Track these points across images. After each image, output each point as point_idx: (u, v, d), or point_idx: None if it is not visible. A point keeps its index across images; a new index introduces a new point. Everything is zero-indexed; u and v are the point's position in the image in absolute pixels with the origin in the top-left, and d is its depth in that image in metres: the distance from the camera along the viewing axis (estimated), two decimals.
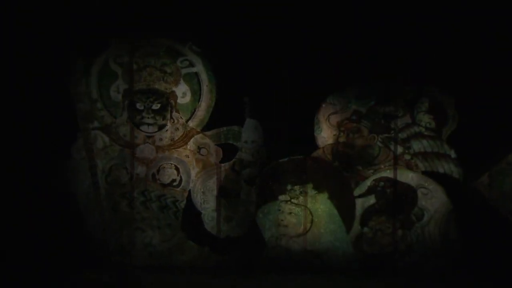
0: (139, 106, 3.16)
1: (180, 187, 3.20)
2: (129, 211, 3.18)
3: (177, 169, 3.19)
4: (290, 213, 3.13)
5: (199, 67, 3.19)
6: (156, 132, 3.18)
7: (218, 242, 3.16)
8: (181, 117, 3.20)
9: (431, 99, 3.14)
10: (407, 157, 3.16)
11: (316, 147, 3.22)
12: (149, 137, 3.18)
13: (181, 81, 3.18)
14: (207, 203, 3.18)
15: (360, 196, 3.14)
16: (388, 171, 3.13)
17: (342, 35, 3.09)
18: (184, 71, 3.18)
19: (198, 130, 3.22)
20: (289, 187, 3.14)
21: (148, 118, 3.15)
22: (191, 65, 3.19)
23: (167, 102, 3.16)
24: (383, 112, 3.15)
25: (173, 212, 3.19)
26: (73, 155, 3.18)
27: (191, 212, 3.19)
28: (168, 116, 3.17)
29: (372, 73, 3.09)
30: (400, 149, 3.16)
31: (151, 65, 3.14)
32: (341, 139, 3.19)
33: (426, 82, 3.14)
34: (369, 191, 3.13)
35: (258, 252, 3.14)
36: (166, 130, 3.19)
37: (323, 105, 3.22)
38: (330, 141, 3.20)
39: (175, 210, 3.19)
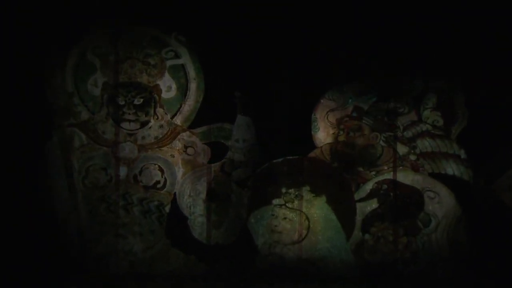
0: (119, 101, 3.03)
1: (165, 189, 3.07)
2: (109, 216, 3.05)
3: (161, 170, 3.07)
4: (285, 218, 3.05)
5: (185, 59, 3.07)
6: (138, 129, 3.05)
7: (206, 250, 3.05)
8: (165, 113, 3.08)
9: (439, 94, 3.07)
10: (413, 157, 3.08)
11: (313, 146, 3.13)
12: (130, 135, 3.05)
13: (166, 73, 3.06)
14: (194, 208, 3.06)
15: (361, 200, 3.06)
16: (391, 172, 3.06)
17: (343, 25, 3.01)
18: (169, 63, 3.06)
19: (185, 127, 3.10)
20: (283, 190, 3.05)
21: (130, 114, 3.02)
22: (177, 56, 3.06)
23: (150, 97, 3.03)
24: (387, 108, 3.08)
25: (157, 217, 3.06)
26: (47, 155, 3.03)
27: (177, 217, 3.08)
28: (152, 112, 3.05)
29: (375, 66, 3.02)
30: (405, 149, 3.09)
31: (133, 56, 3.02)
32: (341, 138, 3.11)
33: (434, 76, 3.06)
34: (371, 195, 3.05)
35: (249, 260, 3.06)
36: (150, 127, 3.06)
37: (321, 101, 3.13)
38: (329, 140, 3.12)
39: (159, 215, 3.06)
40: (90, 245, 3.03)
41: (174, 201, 3.08)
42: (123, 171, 3.05)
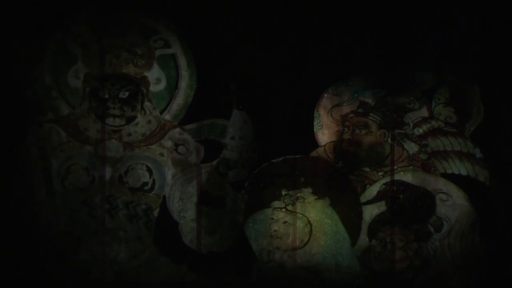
0: (103, 94, 2.86)
1: (153, 192, 2.89)
2: (91, 221, 2.87)
3: (149, 170, 2.89)
4: (285, 222, 2.95)
5: (176, 48, 2.91)
6: (123, 125, 2.88)
7: (198, 258, 2.91)
8: (154, 108, 2.92)
9: (452, 89, 2.98)
10: (424, 156, 2.97)
11: (316, 145, 3.03)
12: (115, 131, 2.88)
13: (155, 64, 2.90)
14: (185, 212, 2.91)
15: (367, 202, 2.95)
16: (401, 173, 2.96)
17: (347, 13, 2.91)
18: (158, 52, 2.90)
19: (175, 123, 2.94)
20: (283, 192, 2.96)
21: (114, 108, 2.85)
22: (167, 45, 2.90)
23: (137, 90, 2.87)
24: (396, 104, 2.98)
25: (144, 223, 2.89)
26: (22, 155, 2.85)
27: (166, 222, 2.92)
28: (139, 106, 2.88)
29: (383, 58, 2.93)
30: (415, 148, 2.98)
31: (118, 45, 2.85)
32: (346, 136, 3.00)
33: (446, 69, 2.97)
34: (378, 197, 2.95)
35: (246, 268, 2.96)
36: (136, 124, 2.90)
37: (325, 96, 3.03)
38: (333, 138, 3.02)
39: (147, 220, 2.89)
40: (70, 253, 2.85)
41: (163, 205, 2.92)
42: (107, 172, 2.88)
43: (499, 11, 2.83)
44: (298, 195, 2.95)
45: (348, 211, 2.96)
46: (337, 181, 2.98)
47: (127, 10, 2.84)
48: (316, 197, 2.95)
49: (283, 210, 2.96)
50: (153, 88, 2.89)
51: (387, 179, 2.96)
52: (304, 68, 2.95)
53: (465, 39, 2.90)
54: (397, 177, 2.95)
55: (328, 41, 2.92)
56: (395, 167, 2.98)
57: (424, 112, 2.98)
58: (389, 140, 2.99)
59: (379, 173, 2.98)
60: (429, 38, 2.89)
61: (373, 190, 2.97)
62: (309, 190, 2.95)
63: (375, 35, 2.89)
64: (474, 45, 2.88)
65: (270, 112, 2.97)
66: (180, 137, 2.92)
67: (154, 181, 2.89)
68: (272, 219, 2.96)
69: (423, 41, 2.89)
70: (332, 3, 2.90)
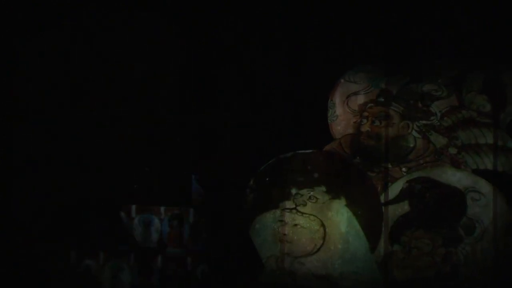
0: None
1: None
2: None
3: None
4: (296, 225, 2.89)
5: None
6: None
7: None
8: None
9: (486, 75, 2.87)
10: (453, 150, 2.87)
11: (330, 138, 2.95)
12: None
13: None
14: None
15: (389, 202, 2.87)
16: (427, 169, 2.86)
17: None
18: None
19: None
20: (294, 191, 2.91)
21: None
22: None
23: None
24: (421, 92, 2.90)
25: None
26: None
27: None
28: None
29: (406, 41, 2.83)
30: (443, 141, 2.88)
31: None
32: (364, 128, 2.93)
33: (479, 53, 2.85)
34: (401, 196, 2.86)
35: (252, 277, 2.87)
36: None
37: (341, 83, 2.95)
38: (349, 130, 2.95)
39: None
40: None
41: None
42: None
43: None
44: (310, 194, 2.89)
45: (367, 213, 2.89)
46: (354, 179, 2.91)
47: None
48: (330, 196, 2.89)
49: (293, 211, 2.90)
50: None
51: (411, 176, 2.89)
52: (317, 54, 2.89)
53: (499, 17, 2.78)
54: (422, 173, 2.89)
55: (344, 21, 2.85)
56: (420, 163, 2.88)
57: (454, 101, 2.90)
58: (414, 132, 2.89)
59: (402, 170, 2.91)
60: (459, 17, 2.80)
61: (395, 188, 2.90)
62: (323, 188, 2.89)
63: (397, 16, 2.81)
64: (509, 24, 2.78)
65: (278, 102, 2.92)
66: None
67: None
68: (281, 221, 2.91)
69: (452, 20, 2.80)
70: None
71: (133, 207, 3.03)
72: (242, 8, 2.90)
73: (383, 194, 2.92)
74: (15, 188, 2.79)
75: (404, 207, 2.88)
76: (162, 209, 3.01)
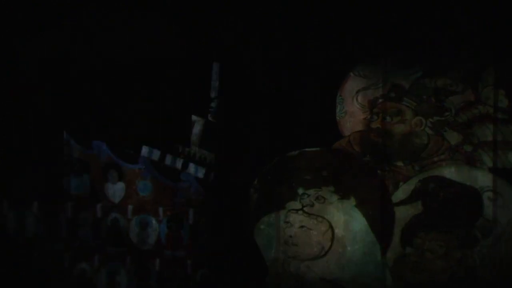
0: None
1: None
2: None
3: None
4: (302, 226, 2.85)
5: None
6: None
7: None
8: None
9: (503, 68, 2.82)
10: (468, 148, 2.83)
11: (339, 135, 2.91)
12: None
13: None
14: None
15: (401, 203, 2.82)
16: (441, 168, 2.81)
17: None
18: None
19: None
20: (300, 191, 2.86)
21: None
22: None
23: None
24: (434, 86, 2.85)
25: None
26: None
27: None
28: None
29: (419, 33, 2.78)
30: (458, 138, 2.83)
31: None
32: (375, 125, 2.88)
33: (497, 45, 2.80)
34: (413, 196, 2.81)
35: (257, 281, 2.87)
36: None
37: (349, 78, 2.90)
38: (359, 127, 2.91)
39: None
40: None
41: None
42: None
43: None
44: (318, 194, 2.85)
45: (378, 213, 2.84)
46: (364, 178, 2.87)
47: None
48: (339, 196, 2.86)
49: (300, 212, 2.86)
50: None
51: (424, 175, 2.84)
52: (325, 46, 2.84)
53: None
54: (435, 172, 2.84)
55: (354, 13, 2.81)
56: (434, 161, 2.84)
57: (469, 96, 2.86)
58: (427, 129, 2.86)
59: (415, 168, 2.86)
60: (474, 6, 2.75)
61: (407, 188, 2.84)
62: (331, 188, 2.85)
63: (409, 5, 2.77)
64: None
65: (284, 97, 2.88)
66: None
67: None
68: (287, 223, 2.87)
69: (468, 10, 2.75)
70: None
71: (130, 207, 3.02)
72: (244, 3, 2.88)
73: (394, 194, 2.85)
74: None
75: (416, 207, 2.83)
76: (160, 209, 2.99)
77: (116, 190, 2.96)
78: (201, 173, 3.00)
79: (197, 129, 3.07)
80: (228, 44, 2.92)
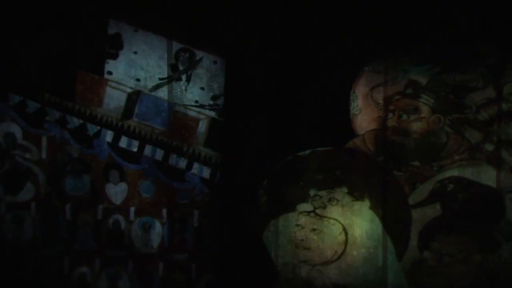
0: None
1: None
2: None
3: None
4: (314, 229, 2.81)
5: None
6: None
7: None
8: None
9: None
10: (489, 147, 2.77)
11: (352, 134, 2.86)
12: None
13: None
14: None
15: (418, 205, 2.78)
16: (460, 168, 2.75)
17: None
18: None
19: None
20: (312, 192, 2.82)
21: None
22: None
23: None
24: (454, 82, 2.78)
25: None
26: None
27: None
28: None
29: (437, 27, 2.71)
30: (478, 136, 2.77)
31: None
32: (390, 123, 2.83)
33: None
34: (431, 198, 2.76)
35: (265, 286, 2.82)
36: None
37: (364, 73, 2.83)
38: (374, 125, 2.86)
39: None
40: None
41: None
42: None
43: None
44: (330, 196, 2.81)
45: (394, 216, 2.80)
46: (379, 179, 2.82)
47: None
48: (353, 198, 2.81)
49: (312, 214, 2.82)
50: None
51: (442, 175, 2.79)
52: (338, 41, 2.78)
53: None
54: (455, 172, 2.79)
55: (370, 7, 2.75)
56: (456, 158, 2.78)
57: (490, 92, 2.80)
58: (446, 127, 2.79)
59: (433, 168, 2.81)
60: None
61: (425, 189, 2.80)
62: (344, 189, 2.81)
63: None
64: None
65: (295, 93, 2.82)
66: None
67: None
68: (298, 225, 2.83)
69: (487, 2, 2.70)
70: None
71: (132, 209, 2.97)
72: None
73: (411, 195, 2.79)
74: None
75: (435, 209, 2.78)
76: (164, 211, 2.95)
77: (117, 191, 2.93)
78: (206, 173, 2.96)
79: (202, 127, 3.04)
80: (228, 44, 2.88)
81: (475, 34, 2.80)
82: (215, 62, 3.01)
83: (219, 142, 3.00)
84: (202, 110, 2.99)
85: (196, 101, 2.99)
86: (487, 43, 2.83)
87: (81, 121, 2.93)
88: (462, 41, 2.84)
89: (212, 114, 2.99)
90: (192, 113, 3.00)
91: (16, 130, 2.92)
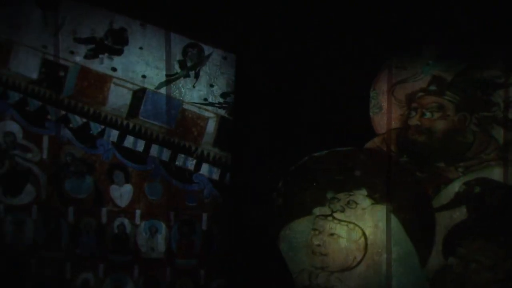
0: None
1: None
2: None
3: None
4: (332, 234, 2.73)
5: None
6: None
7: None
8: None
9: None
10: None
11: (372, 133, 2.77)
12: None
13: None
14: None
15: (443, 208, 2.68)
16: (488, 169, 2.67)
17: None
18: None
19: None
20: (330, 195, 2.74)
21: None
22: None
23: None
24: (481, 78, 2.69)
25: None
26: None
27: None
28: None
29: (462, 20, 2.63)
30: (507, 135, 2.70)
31: None
32: (413, 121, 2.72)
33: None
34: (457, 201, 2.67)
35: None
36: None
37: (385, 70, 2.74)
38: (395, 124, 2.76)
39: None
40: None
41: None
42: None
43: None
44: (349, 199, 2.75)
45: (416, 220, 2.72)
46: (401, 181, 2.74)
47: None
48: (372, 201, 2.74)
49: (329, 218, 2.75)
50: None
51: (469, 177, 2.70)
52: (357, 34, 2.69)
53: None
54: (482, 173, 2.71)
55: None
56: (480, 161, 2.71)
57: None
58: (472, 125, 2.72)
59: (458, 169, 2.71)
60: None
61: (450, 191, 2.71)
62: (364, 192, 2.75)
63: None
64: None
65: (311, 91, 2.73)
66: None
67: None
68: (315, 230, 2.76)
69: None
70: None
71: (138, 212, 2.91)
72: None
73: (435, 198, 2.71)
74: None
75: (460, 213, 2.70)
76: (171, 214, 2.89)
77: (122, 193, 2.88)
78: (215, 175, 2.91)
79: (211, 126, 2.97)
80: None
81: (503, 26, 2.67)
82: (224, 58, 2.93)
83: (229, 142, 2.92)
84: (211, 108, 2.92)
85: (205, 99, 2.93)
86: None
87: (84, 120, 2.89)
88: (489, 34, 2.71)
89: (222, 112, 2.92)
90: (200, 111, 2.93)
91: (16, 129, 2.88)
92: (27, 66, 2.96)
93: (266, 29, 2.85)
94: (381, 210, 2.73)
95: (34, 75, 2.95)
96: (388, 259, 2.74)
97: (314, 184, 2.78)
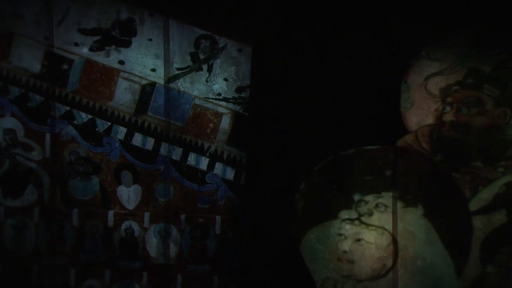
0: None
1: None
2: None
3: None
4: (359, 240, 2.65)
5: None
6: None
7: None
8: None
9: None
10: None
11: (403, 130, 2.67)
12: None
13: None
14: None
15: (481, 211, 2.57)
16: None
17: None
18: None
19: None
20: (357, 197, 2.66)
21: None
22: None
23: None
24: None
25: None
26: None
27: None
28: None
29: (502, 5, 2.49)
30: None
31: None
32: (448, 117, 2.61)
33: None
34: (496, 204, 2.56)
35: None
36: None
37: (417, 61, 2.62)
38: (429, 120, 2.65)
39: None
40: None
41: None
42: None
43: None
44: (378, 201, 2.66)
45: (451, 224, 2.63)
46: (435, 182, 2.65)
47: None
48: (403, 204, 2.65)
49: (356, 222, 2.68)
50: None
51: (509, 178, 2.59)
52: (388, 21, 2.55)
53: None
54: None
55: None
56: None
57: None
58: None
59: (498, 169, 2.60)
60: None
61: (488, 193, 2.60)
62: (394, 194, 2.63)
63: None
64: None
65: (335, 84, 2.60)
66: None
67: None
68: (340, 235, 2.69)
69: None
70: None
71: (147, 214, 2.87)
72: None
73: (472, 201, 2.60)
74: None
75: (500, 217, 2.59)
76: (182, 217, 2.85)
77: (130, 194, 2.87)
78: (229, 175, 2.86)
79: (225, 122, 2.90)
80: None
81: None
82: (240, 50, 2.86)
83: (245, 140, 2.85)
84: (226, 104, 2.88)
85: (219, 94, 2.88)
86: None
87: (90, 116, 2.87)
88: None
89: (237, 108, 2.88)
90: (214, 107, 2.88)
91: (17, 126, 2.86)
92: (29, 59, 2.92)
93: (285, 17, 2.77)
94: (413, 214, 2.62)
95: (36, 69, 2.92)
96: (420, 267, 2.62)
97: (340, 185, 2.68)
